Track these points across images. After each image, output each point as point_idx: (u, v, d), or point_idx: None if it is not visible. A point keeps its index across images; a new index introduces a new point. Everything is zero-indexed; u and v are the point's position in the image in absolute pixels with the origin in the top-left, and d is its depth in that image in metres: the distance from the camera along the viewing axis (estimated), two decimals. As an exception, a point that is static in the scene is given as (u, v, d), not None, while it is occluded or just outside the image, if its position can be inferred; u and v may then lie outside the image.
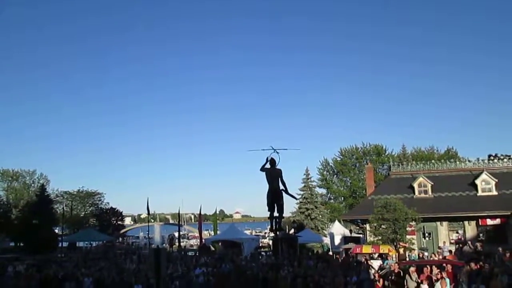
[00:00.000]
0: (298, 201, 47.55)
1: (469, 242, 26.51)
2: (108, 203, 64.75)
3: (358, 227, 39.91)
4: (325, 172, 56.24)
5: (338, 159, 55.81)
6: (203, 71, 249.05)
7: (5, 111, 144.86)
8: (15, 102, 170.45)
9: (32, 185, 62.91)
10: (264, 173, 11.25)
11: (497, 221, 28.61)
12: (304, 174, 50.22)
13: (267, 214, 11.60)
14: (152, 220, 71.66)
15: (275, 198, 11.10)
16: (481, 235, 29.37)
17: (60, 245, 42.03)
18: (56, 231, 50.05)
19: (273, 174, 11.13)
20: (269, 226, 12.62)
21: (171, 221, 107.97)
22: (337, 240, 35.15)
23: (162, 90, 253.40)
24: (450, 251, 24.36)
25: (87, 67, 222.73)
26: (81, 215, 62.93)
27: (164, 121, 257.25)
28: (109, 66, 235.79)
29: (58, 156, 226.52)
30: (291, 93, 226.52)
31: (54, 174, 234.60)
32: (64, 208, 53.56)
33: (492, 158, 37.79)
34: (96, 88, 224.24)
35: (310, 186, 50.18)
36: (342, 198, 55.19)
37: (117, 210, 60.75)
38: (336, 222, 40.25)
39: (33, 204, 49.69)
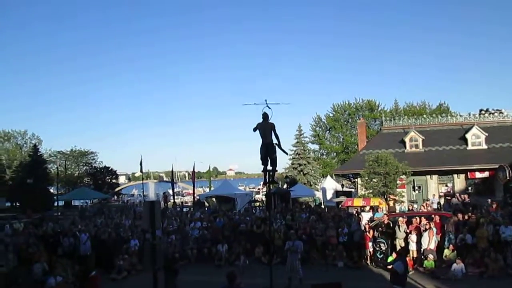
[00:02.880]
0: (291, 156, 48.06)
1: (457, 195, 27.15)
2: (101, 162, 65.15)
3: (350, 182, 40.62)
4: (317, 128, 56.51)
5: (331, 115, 55.95)
6: (196, 24, 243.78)
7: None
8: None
9: (25, 145, 62.83)
10: (257, 132, 11.32)
11: (486, 174, 29.18)
12: (297, 130, 50.53)
13: (261, 170, 11.74)
14: (146, 178, 72.09)
15: (268, 151, 11.16)
16: (469, 188, 30.06)
17: (55, 204, 42.41)
18: (51, 190, 50.41)
19: (266, 128, 11.14)
20: (263, 180, 12.76)
21: (165, 179, 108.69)
22: (329, 195, 35.80)
23: (150, 44, 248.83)
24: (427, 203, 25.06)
25: (79, 24, 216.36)
26: (75, 175, 63.29)
27: (155, 75, 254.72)
28: (106, 20, 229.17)
29: (50, 115, 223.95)
30: (285, 45, 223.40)
31: (46, 134, 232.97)
32: (58, 167, 53.75)
33: (483, 112, 38.21)
34: (83, 43, 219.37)
35: (303, 142, 50.58)
36: (335, 153, 55.74)
37: (111, 169, 61.16)
38: (328, 177, 40.85)
39: (27, 164, 49.81)
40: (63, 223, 23.64)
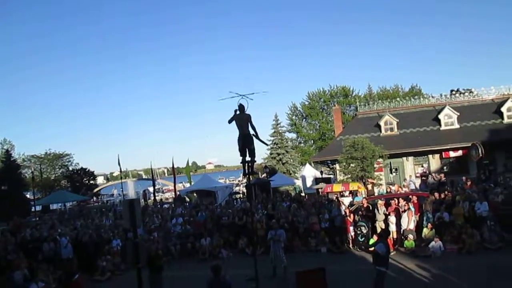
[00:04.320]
0: (269, 146, 48.21)
1: (433, 174, 27.73)
2: (78, 163, 64.04)
3: (328, 168, 41.01)
4: (294, 117, 56.81)
5: (306, 103, 56.27)
6: (170, 24, 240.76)
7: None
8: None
9: (-4, 151, 60.96)
10: (233, 123, 11.27)
11: (459, 153, 29.84)
12: (274, 119, 50.69)
13: (239, 162, 11.74)
14: (125, 177, 71.22)
15: (246, 142, 11.16)
16: (444, 167, 30.74)
17: (33, 209, 41.55)
18: (28, 196, 49.32)
19: (242, 119, 11.12)
20: (242, 172, 12.76)
21: (144, 177, 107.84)
22: (308, 182, 36.09)
23: (127, 44, 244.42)
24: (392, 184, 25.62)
25: (55, 25, 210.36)
26: (52, 178, 62.01)
27: (128, 74, 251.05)
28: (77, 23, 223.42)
29: (21, 119, 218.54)
30: (258, 36, 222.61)
31: (18, 139, 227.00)
32: (33, 172, 52.54)
33: (454, 93, 39.04)
34: (59, 46, 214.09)
35: (280, 131, 50.78)
36: (312, 141, 56.18)
37: (88, 170, 60.21)
38: (307, 164, 41.13)
39: (0, 170, 48.46)
40: (41, 228, 23.15)
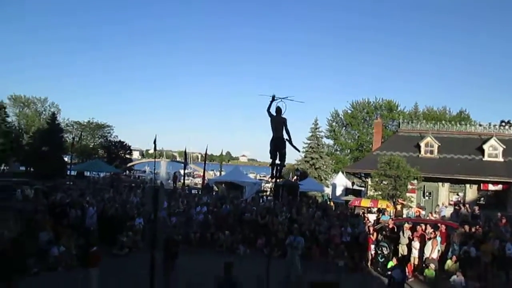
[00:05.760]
0: (304, 149, 47.87)
1: (467, 205, 26.74)
2: (117, 136, 65.70)
3: (360, 181, 40.36)
4: (334, 124, 56.20)
5: (349, 111, 55.50)
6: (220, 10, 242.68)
7: (19, 38, 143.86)
8: (29, 30, 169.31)
9: (43, 112, 63.42)
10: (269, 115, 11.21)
11: (499, 187, 28.74)
12: (313, 123, 50.22)
13: (269, 164, 11.69)
14: (159, 156, 72.55)
15: (278, 146, 11.10)
16: (481, 199, 29.64)
17: (68, 173, 43.04)
18: (65, 159, 51.14)
19: (278, 122, 11.06)
20: (270, 174, 12.66)
21: (178, 159, 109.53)
22: (338, 191, 35.66)
23: (174, 28, 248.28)
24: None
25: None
26: (90, 146, 64.01)
27: (176, 60, 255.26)
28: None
29: (70, 85, 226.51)
30: (312, 45, 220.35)
31: (65, 103, 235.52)
32: (74, 137, 54.35)
33: (503, 124, 37.42)
34: (112, 22, 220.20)
35: (318, 136, 50.28)
36: (348, 150, 55.43)
37: (126, 144, 61.68)
38: (340, 173, 40.65)
39: (44, 131, 50.47)
40: (72, 194, 23.84)
